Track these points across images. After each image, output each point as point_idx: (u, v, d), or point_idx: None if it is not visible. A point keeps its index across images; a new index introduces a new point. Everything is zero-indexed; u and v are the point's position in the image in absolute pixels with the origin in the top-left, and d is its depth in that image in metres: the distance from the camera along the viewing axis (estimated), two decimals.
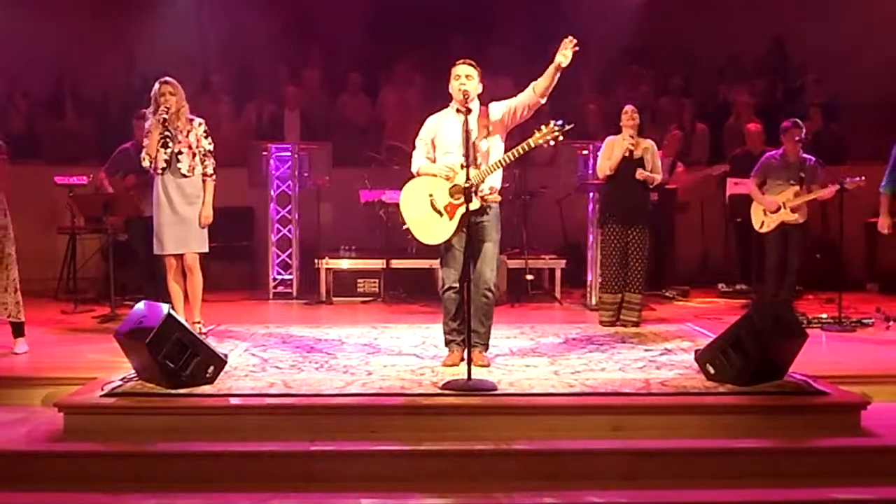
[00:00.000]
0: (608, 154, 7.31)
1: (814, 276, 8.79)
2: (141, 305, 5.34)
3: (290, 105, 10.84)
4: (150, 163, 6.59)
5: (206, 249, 6.76)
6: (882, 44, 9.95)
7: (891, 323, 7.33)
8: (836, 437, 4.77)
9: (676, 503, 4.35)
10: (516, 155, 5.47)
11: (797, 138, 7.70)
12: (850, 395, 5.10)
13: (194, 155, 6.61)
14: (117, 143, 8.37)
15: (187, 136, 6.60)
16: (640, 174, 7.18)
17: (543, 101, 5.60)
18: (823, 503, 4.36)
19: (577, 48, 5.38)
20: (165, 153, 6.57)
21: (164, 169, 6.57)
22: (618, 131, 7.34)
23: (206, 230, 6.70)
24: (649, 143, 7.38)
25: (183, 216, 6.60)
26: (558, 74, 5.47)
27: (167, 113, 6.50)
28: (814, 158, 7.81)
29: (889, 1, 10.24)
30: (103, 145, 9.41)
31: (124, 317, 5.61)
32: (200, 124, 6.69)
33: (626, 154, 7.24)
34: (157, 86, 6.60)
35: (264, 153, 9.45)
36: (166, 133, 6.57)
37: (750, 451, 4.67)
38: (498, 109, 5.67)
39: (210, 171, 6.68)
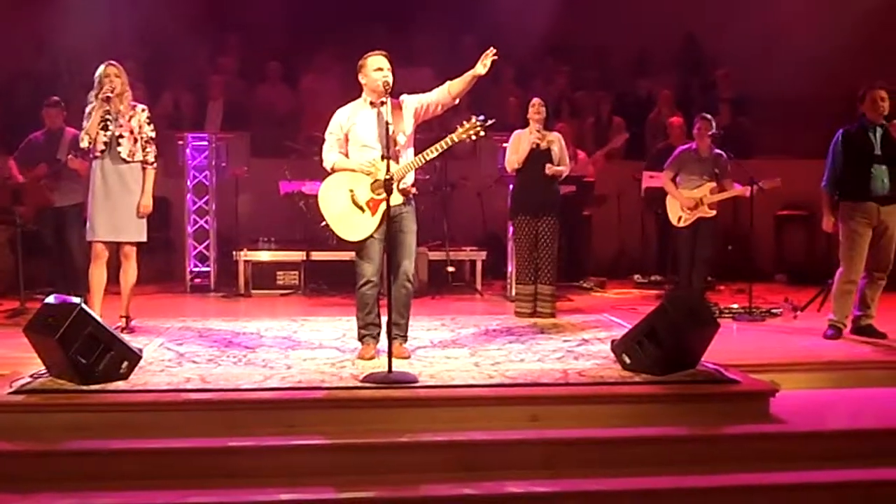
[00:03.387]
0: (515, 148, 7.42)
1: (725, 267, 9.03)
2: (51, 299, 5.19)
3: (213, 94, 10.65)
4: (89, 143, 6.36)
5: (144, 238, 6.60)
6: (790, 41, 10.26)
7: (798, 312, 7.57)
8: (747, 424, 4.90)
9: (595, 491, 4.42)
10: (438, 150, 5.50)
11: (708, 133, 7.91)
12: (760, 382, 5.24)
13: (136, 140, 6.46)
14: (25, 132, 8.11)
15: (129, 120, 6.45)
16: (549, 169, 7.28)
17: (456, 102, 5.64)
18: (735, 488, 4.48)
19: (496, 57, 5.43)
20: (105, 135, 6.37)
21: (102, 152, 6.39)
22: (528, 124, 7.43)
23: (144, 219, 6.55)
24: (555, 135, 7.49)
25: (120, 203, 6.42)
26: (475, 82, 5.50)
27: (112, 92, 6.33)
28: (724, 154, 8.02)
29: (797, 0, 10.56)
30: (10, 133, 9.10)
31: (34, 311, 5.44)
32: (144, 110, 6.55)
33: (534, 146, 7.33)
34: (101, 67, 6.43)
35: (180, 142, 9.28)
36: (107, 115, 6.39)
37: (665, 439, 4.77)
38: (411, 103, 5.68)
39: (151, 158, 6.54)
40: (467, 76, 5.52)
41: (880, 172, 6.55)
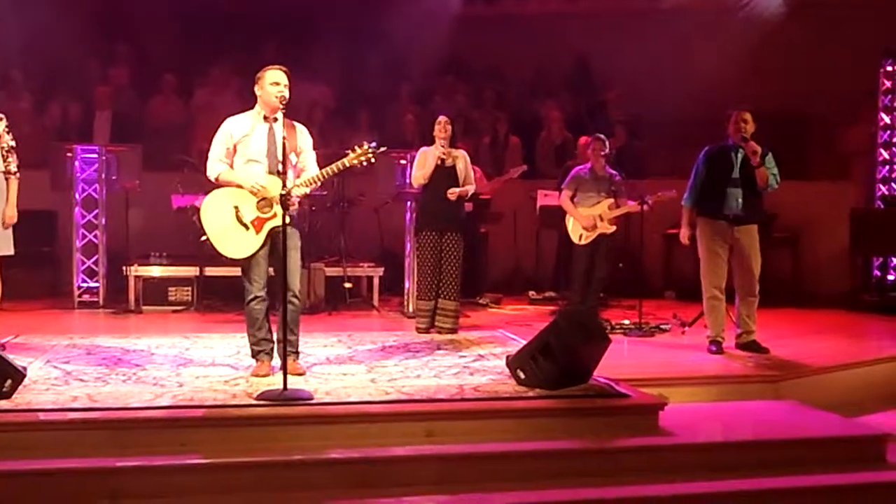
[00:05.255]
0: (422, 163, 7.46)
1: (617, 284, 9.24)
2: None
3: (100, 106, 10.38)
4: None
5: (11, 252, 6.36)
6: (678, 65, 10.63)
7: (686, 328, 7.81)
8: (637, 437, 5.02)
9: None
10: (329, 174, 5.51)
11: (602, 153, 8.11)
12: (649, 396, 5.38)
13: None
14: None
15: None
16: (451, 194, 7.34)
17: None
18: (627, 500, 4.57)
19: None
20: None
21: None
22: (434, 142, 7.50)
23: (10, 231, 6.32)
24: (461, 153, 7.57)
25: None
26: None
27: None
28: (618, 174, 8.24)
29: (685, 25, 10.95)
30: None
31: None
32: (1, 119, 6.33)
33: (439, 163, 7.40)
34: None
35: (69, 154, 9.00)
36: None
37: (558, 453, 4.85)
38: (305, 136, 5.68)
39: (13, 168, 6.33)
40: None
41: (735, 192, 6.80)
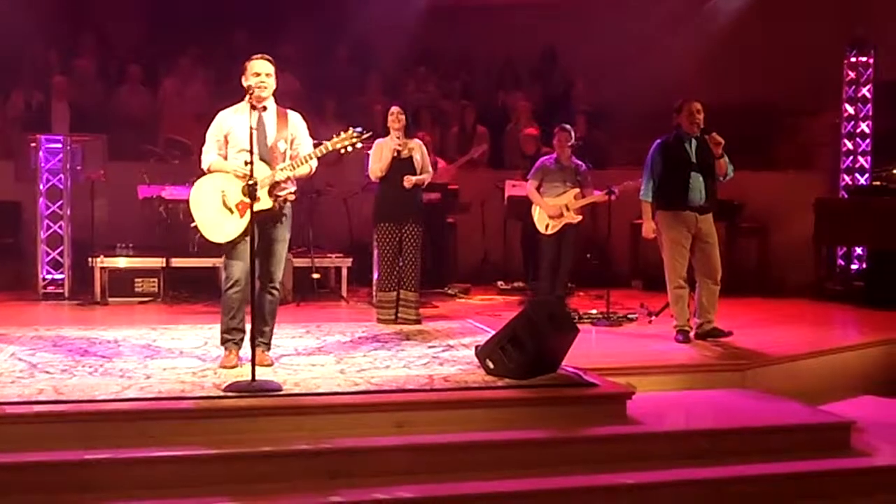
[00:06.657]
0: (378, 156, 7.42)
1: (584, 273, 9.30)
2: None
3: (58, 96, 10.26)
4: None
5: None
6: (644, 57, 10.69)
7: (653, 317, 7.87)
8: (605, 426, 5.06)
9: (460, 495, 4.47)
10: (312, 157, 5.48)
11: (568, 143, 8.15)
12: (617, 385, 5.42)
13: None
14: None
15: None
16: (407, 182, 7.31)
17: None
18: (596, 488, 4.61)
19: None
20: None
21: None
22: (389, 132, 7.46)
23: None
24: (416, 142, 7.53)
25: None
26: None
27: None
28: (583, 164, 8.28)
29: (651, 16, 11.02)
30: None
31: None
32: None
33: (395, 154, 7.36)
34: None
35: (33, 145, 8.89)
36: None
37: (528, 442, 4.88)
38: (297, 128, 5.64)
39: None
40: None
41: (697, 182, 6.77)
